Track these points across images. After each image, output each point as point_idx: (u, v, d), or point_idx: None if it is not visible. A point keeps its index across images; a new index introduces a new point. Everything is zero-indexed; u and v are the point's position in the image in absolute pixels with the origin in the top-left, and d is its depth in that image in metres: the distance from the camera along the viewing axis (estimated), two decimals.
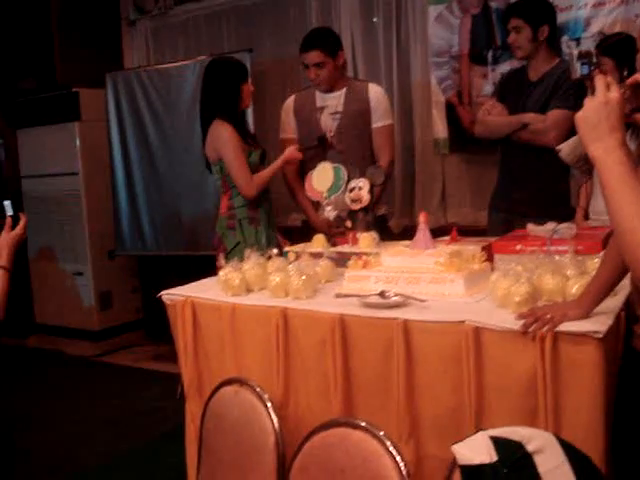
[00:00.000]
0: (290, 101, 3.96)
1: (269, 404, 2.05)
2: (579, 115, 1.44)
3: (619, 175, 1.35)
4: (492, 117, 3.66)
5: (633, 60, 1.85)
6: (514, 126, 3.52)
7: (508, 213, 3.56)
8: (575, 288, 2.05)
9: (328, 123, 3.77)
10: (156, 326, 5.75)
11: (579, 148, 2.79)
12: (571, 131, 3.29)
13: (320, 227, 3.42)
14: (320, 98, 3.81)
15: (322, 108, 3.79)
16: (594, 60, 1.54)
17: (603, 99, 1.41)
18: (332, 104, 3.77)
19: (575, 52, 1.56)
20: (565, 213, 3.28)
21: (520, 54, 3.55)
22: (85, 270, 6.15)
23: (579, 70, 1.54)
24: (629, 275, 1.91)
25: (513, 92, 3.64)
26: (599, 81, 1.44)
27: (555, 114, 3.40)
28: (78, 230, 6.11)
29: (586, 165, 2.94)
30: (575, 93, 3.38)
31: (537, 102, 3.49)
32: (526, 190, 3.52)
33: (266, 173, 3.68)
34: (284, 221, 5.64)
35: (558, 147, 3.01)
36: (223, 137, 3.64)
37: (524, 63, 3.65)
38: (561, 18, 4.28)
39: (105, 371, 5.62)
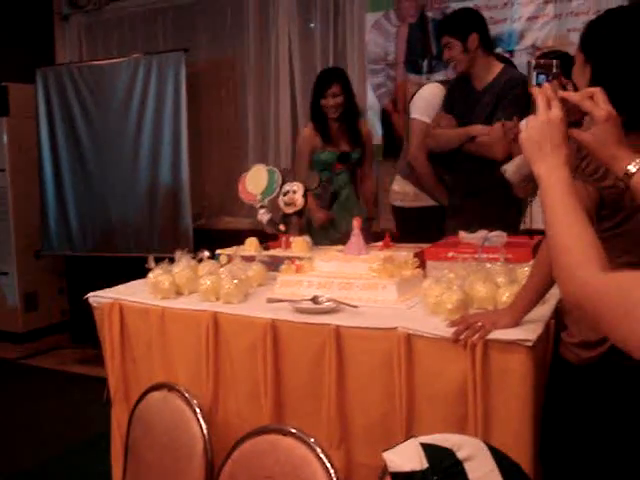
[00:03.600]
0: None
1: (198, 410, 2.01)
2: (523, 135, 1.43)
3: (560, 194, 1.34)
4: (441, 130, 3.61)
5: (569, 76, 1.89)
6: (462, 139, 3.46)
7: (460, 224, 3.52)
8: (506, 296, 2.07)
9: None
10: (82, 329, 5.62)
11: (525, 167, 2.79)
12: None
13: None
14: None
15: None
16: (554, 71, 1.54)
17: (545, 118, 1.42)
18: None
19: (533, 62, 1.56)
20: (515, 225, 3.30)
21: (459, 68, 3.50)
22: (10, 270, 5.97)
23: (534, 79, 1.54)
24: None
25: (460, 101, 3.58)
26: (540, 99, 1.44)
27: (498, 126, 3.30)
28: (3, 228, 5.93)
29: (531, 184, 2.94)
30: (519, 102, 3.31)
31: (483, 112, 3.43)
32: (477, 202, 3.46)
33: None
34: (216, 224, 5.61)
35: (503, 168, 3.00)
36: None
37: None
38: (495, 30, 4.35)
39: (28, 374, 5.47)
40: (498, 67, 3.49)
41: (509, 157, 3.31)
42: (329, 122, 4.02)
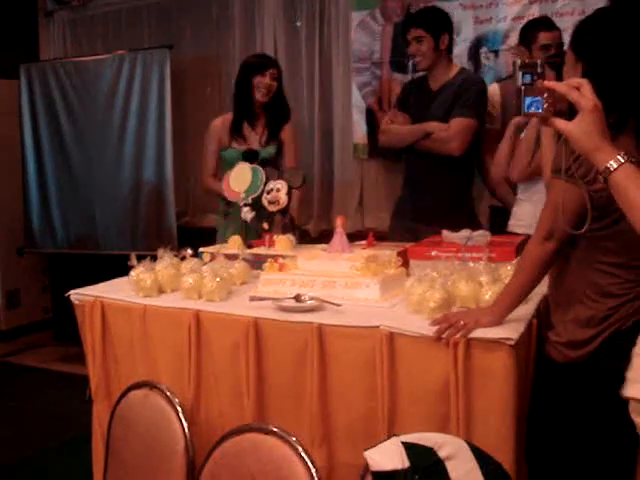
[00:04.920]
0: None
1: (179, 408, 2.01)
2: (575, 130, 1.48)
3: (634, 177, 1.42)
4: (395, 126, 3.69)
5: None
6: (417, 135, 3.55)
7: (412, 221, 3.58)
8: (488, 295, 2.08)
9: None
10: (65, 326, 5.58)
11: None
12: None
13: None
14: None
15: None
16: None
17: (592, 105, 1.47)
18: None
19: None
20: (469, 221, 3.29)
21: (423, 64, 3.58)
22: None
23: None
24: (543, 282, 1.96)
25: (415, 101, 3.68)
26: (569, 90, 1.47)
27: (457, 122, 3.45)
28: None
29: None
30: (475, 102, 3.51)
31: (438, 111, 3.53)
32: (430, 199, 3.55)
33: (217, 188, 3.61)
34: (200, 222, 5.59)
35: None
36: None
37: (424, 73, 3.69)
38: (481, 30, 4.38)
39: (11, 372, 5.43)
40: (455, 69, 3.63)
41: (468, 152, 3.49)
42: (254, 108, 3.85)
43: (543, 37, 3.41)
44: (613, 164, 1.42)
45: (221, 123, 3.89)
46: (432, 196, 3.55)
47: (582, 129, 1.46)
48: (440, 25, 3.55)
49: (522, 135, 3.11)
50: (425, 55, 3.52)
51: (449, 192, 3.55)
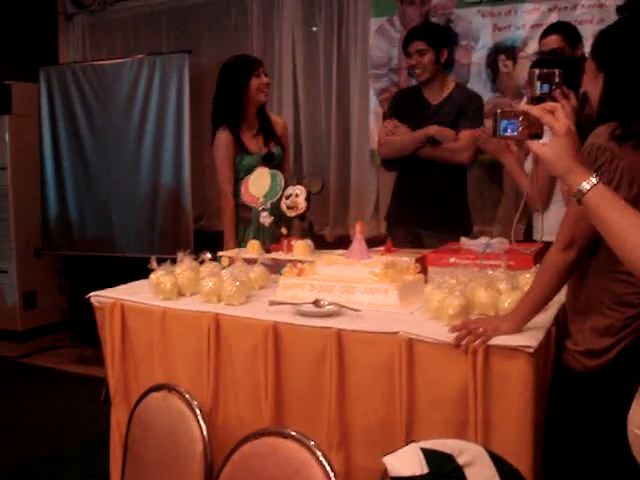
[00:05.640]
0: None
1: (198, 411, 2.01)
2: (548, 154, 1.50)
3: (609, 200, 1.44)
4: (394, 137, 3.73)
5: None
6: (419, 141, 3.62)
7: (414, 226, 3.67)
8: (507, 302, 2.08)
9: None
10: (81, 328, 5.62)
11: None
12: None
13: None
14: None
15: None
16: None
17: (565, 129, 1.50)
18: None
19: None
20: (467, 226, 3.62)
21: (424, 76, 3.65)
22: (9, 268, 5.96)
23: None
24: (561, 291, 1.96)
25: (413, 114, 3.73)
26: (543, 114, 1.49)
27: (468, 134, 3.54)
28: (3, 226, 5.92)
29: None
30: (480, 115, 3.64)
31: (443, 125, 3.61)
32: (433, 205, 3.64)
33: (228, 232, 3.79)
34: (217, 225, 5.60)
35: None
36: (214, 145, 3.83)
37: (413, 83, 3.80)
38: (499, 37, 4.39)
39: (26, 373, 5.46)
40: (451, 84, 3.75)
41: (474, 162, 3.69)
42: (254, 112, 3.81)
43: (541, 45, 3.53)
44: (586, 185, 1.44)
45: (227, 133, 3.76)
46: (436, 202, 3.63)
47: (555, 152, 1.50)
48: (441, 39, 3.68)
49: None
50: (426, 68, 3.61)
51: (450, 199, 3.67)
